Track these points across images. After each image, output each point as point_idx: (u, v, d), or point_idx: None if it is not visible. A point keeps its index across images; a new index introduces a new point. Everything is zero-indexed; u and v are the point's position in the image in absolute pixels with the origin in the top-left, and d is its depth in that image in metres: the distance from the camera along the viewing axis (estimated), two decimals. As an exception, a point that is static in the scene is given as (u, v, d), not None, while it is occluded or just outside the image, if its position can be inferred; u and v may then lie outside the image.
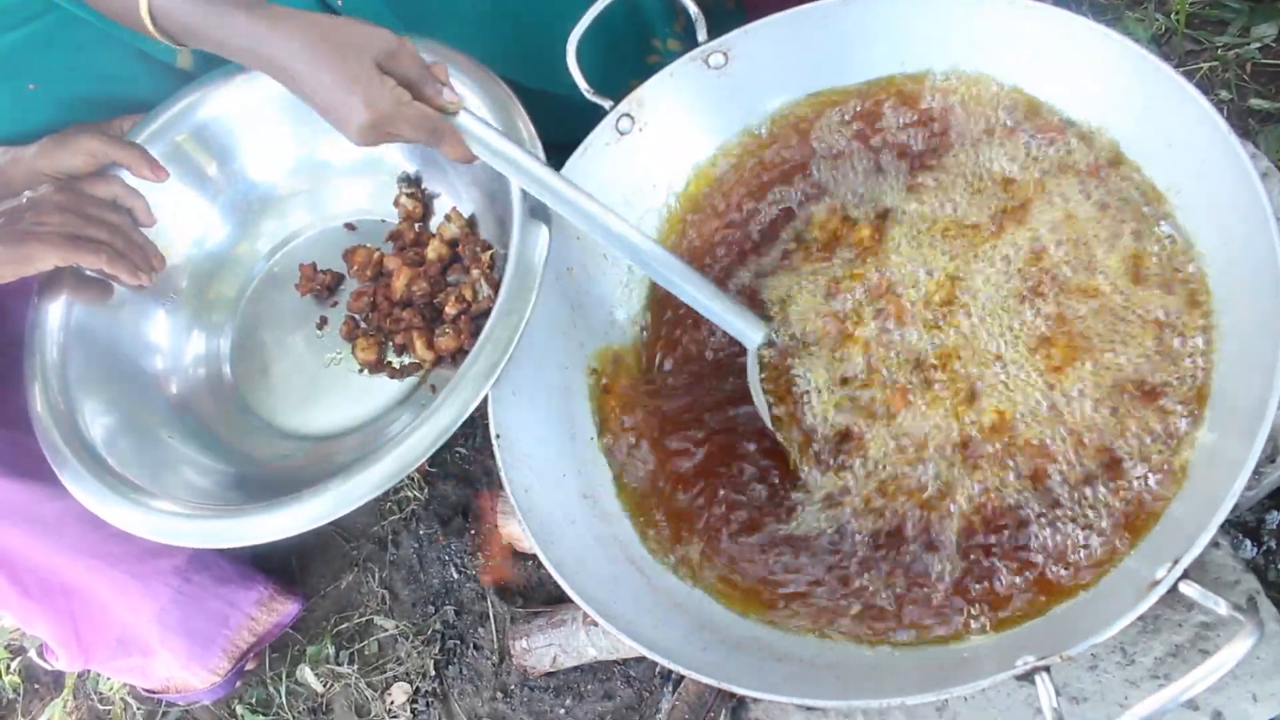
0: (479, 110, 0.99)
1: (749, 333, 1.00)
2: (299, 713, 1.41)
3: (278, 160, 1.21)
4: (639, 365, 1.09)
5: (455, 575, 1.41)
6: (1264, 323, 0.79)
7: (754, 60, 1.09)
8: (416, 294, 1.13)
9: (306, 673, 1.42)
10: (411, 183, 1.19)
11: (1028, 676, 0.71)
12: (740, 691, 0.83)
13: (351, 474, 0.91)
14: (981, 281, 0.96)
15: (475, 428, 1.43)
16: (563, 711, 1.29)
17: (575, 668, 1.28)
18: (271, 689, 1.42)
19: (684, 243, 1.12)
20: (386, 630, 1.41)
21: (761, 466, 1.00)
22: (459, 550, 1.41)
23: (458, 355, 1.10)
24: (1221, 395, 0.84)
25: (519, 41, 1.19)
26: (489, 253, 1.10)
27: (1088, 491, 0.86)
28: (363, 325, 1.16)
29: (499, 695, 1.33)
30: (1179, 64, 1.42)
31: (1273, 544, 1.10)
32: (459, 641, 1.38)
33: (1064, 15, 0.96)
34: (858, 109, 1.09)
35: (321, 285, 1.19)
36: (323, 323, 1.18)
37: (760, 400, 0.99)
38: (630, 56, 1.28)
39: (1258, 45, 1.40)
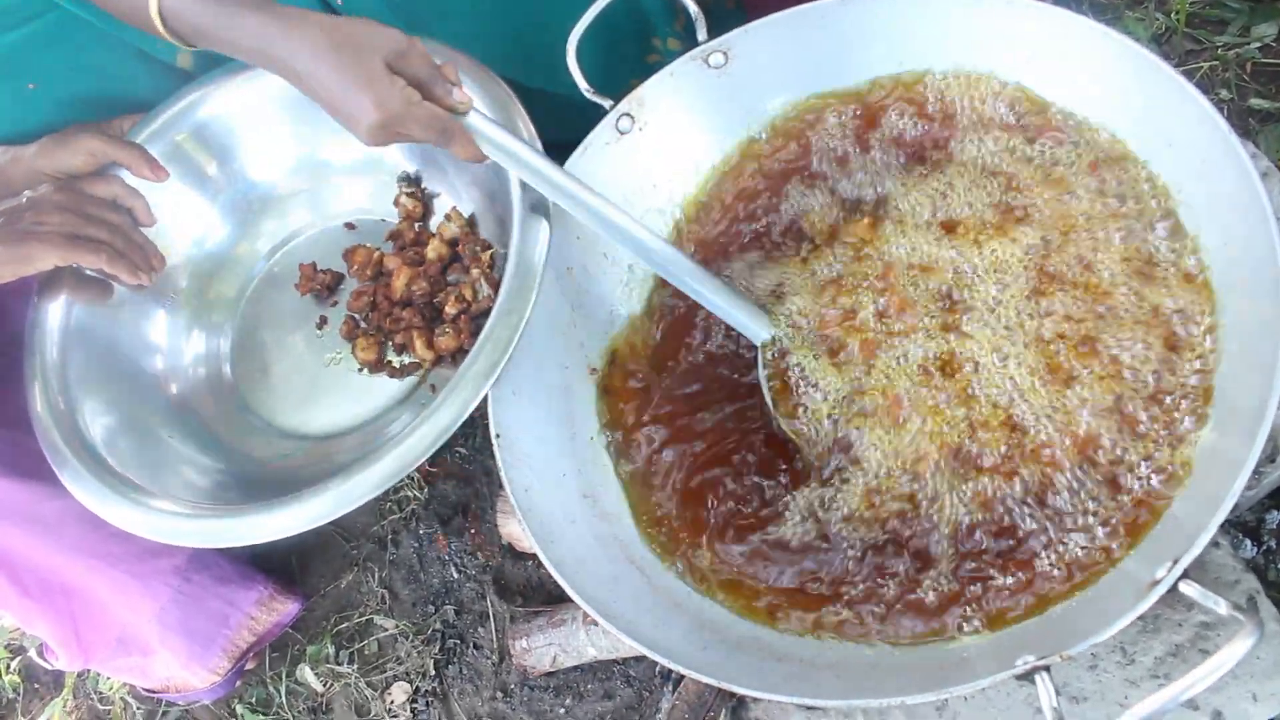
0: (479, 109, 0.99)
1: (756, 329, 1.00)
2: (299, 712, 1.41)
3: (278, 160, 1.21)
4: (640, 364, 1.09)
5: (455, 575, 1.41)
6: (1264, 322, 0.79)
7: (754, 60, 1.09)
8: (416, 293, 1.13)
9: (306, 672, 1.42)
10: (411, 182, 1.19)
11: (1028, 676, 0.71)
12: (740, 691, 0.83)
13: (351, 474, 0.91)
14: (981, 280, 0.96)
15: (475, 427, 1.43)
16: (563, 711, 1.29)
17: (575, 667, 1.28)
18: (271, 688, 1.42)
19: (687, 242, 1.12)
20: (386, 630, 1.41)
21: (763, 465, 1.00)
22: (459, 550, 1.41)
23: (458, 355, 1.10)
24: (1222, 395, 0.84)
25: (519, 41, 1.19)
26: (489, 252, 1.10)
27: (1088, 491, 0.86)
28: (363, 325, 1.16)
29: (499, 695, 1.33)
30: (1179, 63, 1.42)
31: (1273, 544, 1.10)
32: (459, 641, 1.38)
33: (1064, 14, 0.96)
34: (857, 112, 1.09)
35: (321, 285, 1.19)
36: (323, 322, 1.18)
37: (769, 397, 0.99)
38: (630, 56, 1.28)
39: (1258, 45, 1.40)
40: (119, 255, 1.03)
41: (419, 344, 1.10)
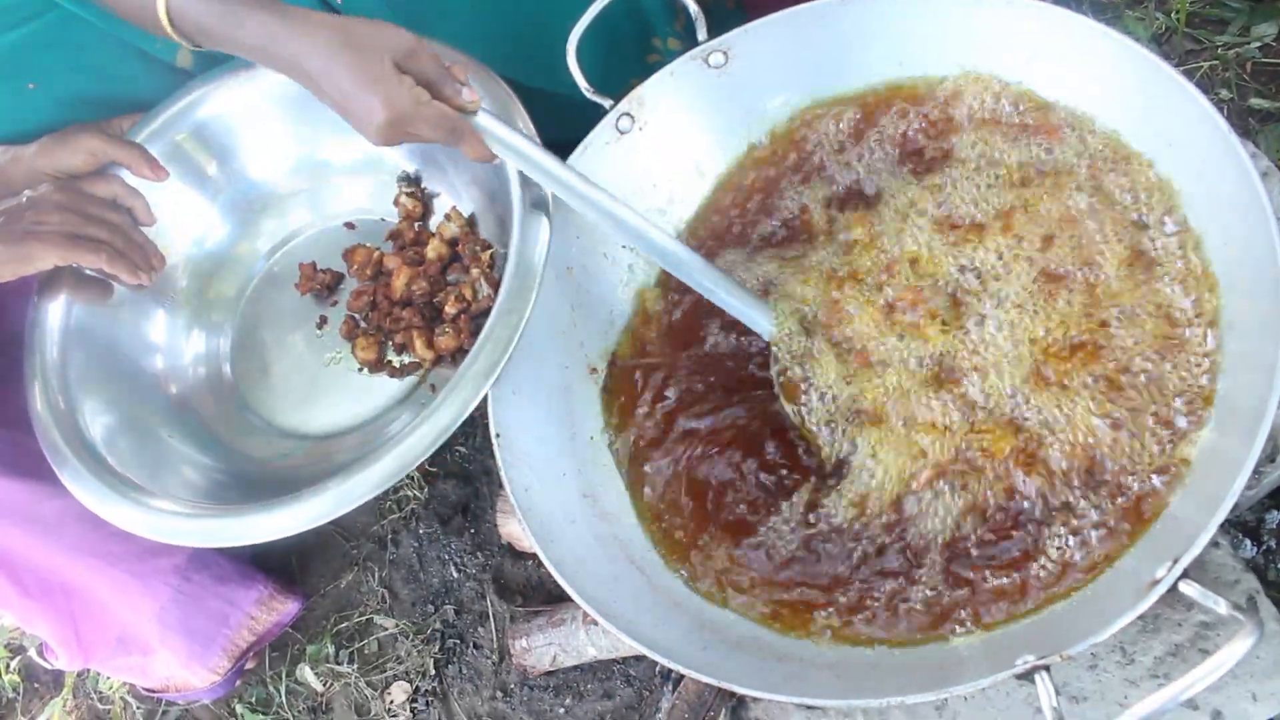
0: (479, 109, 1.00)
1: (766, 324, 1.00)
2: (299, 712, 1.41)
3: (278, 159, 1.21)
4: (641, 363, 1.09)
5: (455, 574, 1.41)
6: (1265, 322, 0.79)
7: (754, 59, 1.09)
8: (416, 293, 1.13)
9: (306, 672, 1.42)
10: (411, 182, 1.19)
11: (1028, 676, 0.71)
12: (740, 690, 0.83)
13: (351, 473, 0.91)
14: (980, 280, 0.96)
15: (475, 427, 1.43)
16: (562, 711, 1.29)
17: (575, 667, 1.28)
18: (271, 688, 1.42)
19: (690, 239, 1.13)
20: (386, 629, 1.41)
21: (768, 465, 1.00)
22: (459, 549, 1.41)
23: (457, 354, 1.10)
24: (1222, 395, 0.84)
25: (519, 40, 1.19)
26: (489, 252, 1.10)
27: (1088, 492, 0.86)
28: (362, 324, 1.16)
29: (499, 694, 1.33)
30: (1179, 63, 1.42)
31: (1272, 543, 1.10)
32: (459, 640, 1.38)
33: (1064, 14, 0.96)
34: (857, 115, 1.09)
35: (321, 284, 1.19)
36: (322, 322, 1.18)
37: (781, 394, 0.99)
38: (630, 55, 1.28)
39: (1258, 44, 1.40)
40: (119, 255, 1.03)
41: (419, 344, 1.10)
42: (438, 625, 1.38)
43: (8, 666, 1.57)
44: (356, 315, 1.16)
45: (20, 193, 1.08)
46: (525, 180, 0.99)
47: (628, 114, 1.09)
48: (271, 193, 1.23)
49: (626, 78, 1.10)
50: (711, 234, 1.12)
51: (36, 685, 1.56)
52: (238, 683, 1.42)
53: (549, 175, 0.95)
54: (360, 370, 1.14)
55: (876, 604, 0.89)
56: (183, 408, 1.15)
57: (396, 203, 1.19)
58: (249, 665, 1.41)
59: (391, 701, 1.37)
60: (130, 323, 1.15)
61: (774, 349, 1.00)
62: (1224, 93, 1.39)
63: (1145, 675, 0.95)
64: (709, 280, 0.99)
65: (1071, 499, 0.87)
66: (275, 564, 1.45)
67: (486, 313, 0.97)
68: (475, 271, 1.10)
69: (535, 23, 1.18)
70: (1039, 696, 0.70)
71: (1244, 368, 0.83)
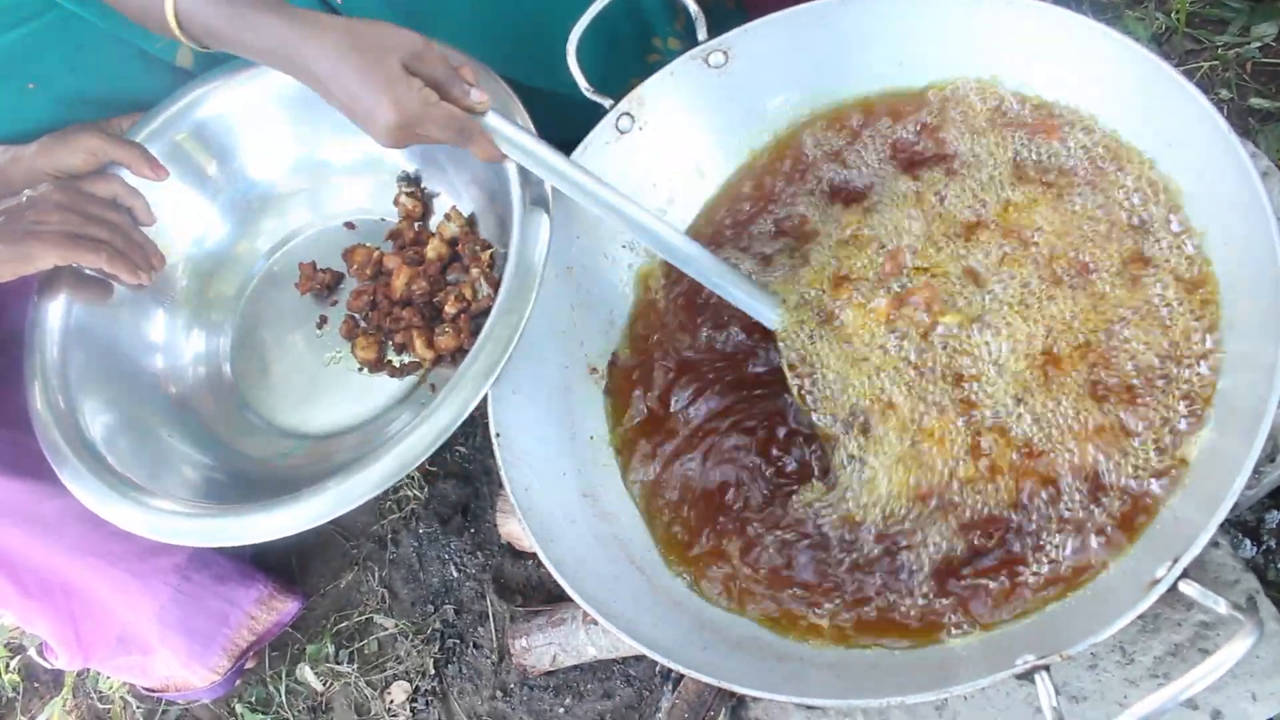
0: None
1: (772, 316, 1.01)
2: (299, 711, 1.41)
3: (277, 159, 1.21)
4: (642, 363, 1.09)
5: (455, 574, 1.41)
6: (1264, 322, 0.79)
7: (754, 59, 1.09)
8: (416, 293, 1.13)
9: (306, 671, 1.42)
10: (411, 182, 1.19)
11: (1027, 675, 0.71)
12: (740, 690, 0.83)
13: (351, 473, 0.91)
14: (979, 282, 0.96)
15: (475, 426, 1.43)
16: (562, 710, 1.29)
17: (575, 666, 1.28)
18: (271, 688, 1.42)
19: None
20: (386, 629, 1.41)
21: (773, 463, 1.00)
22: (459, 549, 1.41)
23: (457, 354, 1.10)
24: (1222, 394, 0.84)
25: (519, 40, 1.19)
26: (489, 252, 1.10)
27: (1088, 491, 0.86)
28: (362, 324, 1.16)
29: (499, 694, 1.33)
30: (1179, 63, 1.42)
31: (1272, 543, 1.10)
32: (459, 640, 1.38)
33: (1064, 14, 0.96)
34: (858, 122, 1.09)
35: (321, 284, 1.19)
36: (322, 321, 1.18)
37: (793, 386, 0.99)
38: (630, 55, 1.28)
39: (1258, 44, 1.40)
40: (119, 254, 1.03)
41: (419, 343, 1.10)
42: (437, 625, 1.38)
43: (8, 666, 1.57)
44: (356, 315, 1.16)
45: (20, 192, 1.07)
46: (525, 180, 0.99)
47: (628, 114, 1.09)
48: (271, 192, 1.23)
49: (626, 77, 1.11)
50: (715, 233, 1.12)
51: (36, 685, 1.57)
52: (238, 682, 1.42)
53: (558, 174, 0.96)
54: (360, 370, 1.14)
55: (874, 606, 0.89)
56: (183, 407, 1.15)
57: (396, 202, 1.19)
58: (249, 665, 1.41)
59: (391, 701, 1.37)
60: (130, 322, 1.15)
61: (781, 344, 1.00)
62: (1224, 93, 1.39)
63: (1145, 675, 0.95)
64: (716, 274, 0.99)
65: (1071, 500, 0.87)
66: (275, 563, 1.45)
67: (486, 312, 0.97)
68: (475, 271, 1.10)
69: (535, 22, 1.18)
70: (1039, 696, 0.70)
71: (1244, 367, 0.83)
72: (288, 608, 1.39)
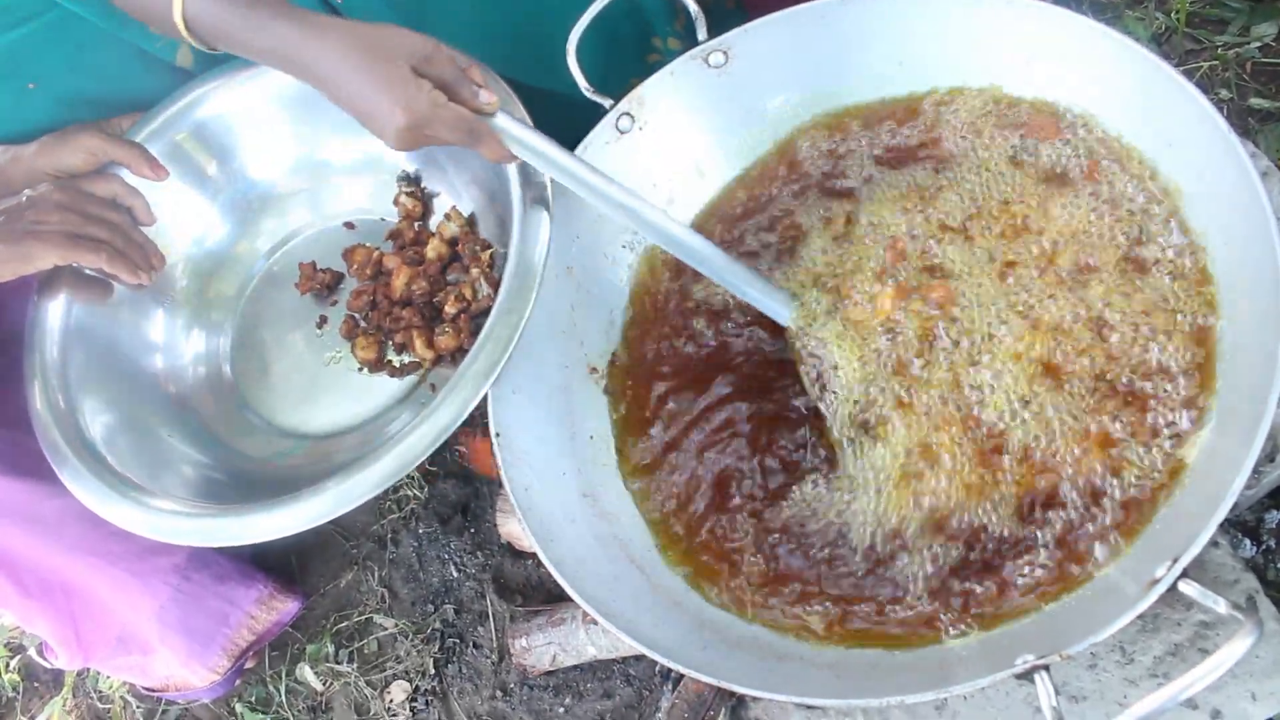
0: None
1: (784, 312, 1.01)
2: (298, 711, 1.41)
3: (277, 159, 1.21)
4: (643, 363, 1.09)
5: (455, 574, 1.41)
6: (1264, 321, 0.79)
7: (754, 59, 1.10)
8: (416, 293, 1.13)
9: (306, 671, 1.42)
10: (411, 181, 1.19)
11: (1027, 675, 0.71)
12: (740, 690, 0.83)
13: (351, 473, 0.91)
14: (979, 282, 0.96)
15: (475, 426, 1.43)
16: (562, 710, 1.29)
17: (575, 666, 1.28)
18: (271, 687, 1.42)
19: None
20: (386, 629, 1.41)
21: (778, 460, 1.00)
22: (459, 549, 1.41)
23: (457, 354, 1.10)
24: (1221, 394, 0.84)
25: (518, 40, 1.19)
26: (489, 251, 1.10)
27: (1088, 492, 0.86)
28: (362, 324, 1.16)
29: (498, 694, 1.33)
30: (1179, 63, 1.42)
31: (1272, 543, 1.10)
32: (458, 640, 1.38)
33: (1064, 14, 0.96)
34: (857, 125, 1.09)
35: (321, 284, 1.19)
36: (322, 321, 1.18)
37: (806, 380, 0.99)
38: (630, 55, 1.28)
39: (1258, 44, 1.40)
40: (119, 254, 1.03)
41: (419, 343, 1.10)
42: (437, 625, 1.39)
43: (7, 666, 1.57)
44: (356, 315, 1.16)
45: (20, 192, 1.07)
46: (526, 180, 0.99)
47: (628, 114, 1.09)
48: (271, 192, 1.23)
49: (626, 77, 1.11)
50: (712, 232, 1.12)
51: (36, 684, 1.57)
52: (237, 682, 1.42)
53: (569, 174, 0.96)
54: (360, 370, 1.14)
55: (871, 607, 0.89)
56: (182, 407, 1.15)
57: (396, 202, 1.19)
58: (249, 664, 1.41)
59: (391, 701, 1.37)
60: (130, 322, 1.15)
61: (793, 341, 1.00)
62: (1224, 93, 1.39)
63: (1145, 675, 0.95)
64: (729, 271, 0.99)
65: (1072, 502, 0.87)
66: (275, 563, 1.45)
67: (486, 312, 0.97)
68: (475, 271, 1.10)
69: (535, 22, 1.18)
70: (1039, 696, 0.70)
71: (1243, 367, 0.83)
72: (287, 607, 1.39)
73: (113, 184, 1.06)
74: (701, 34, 1.09)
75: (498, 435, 0.96)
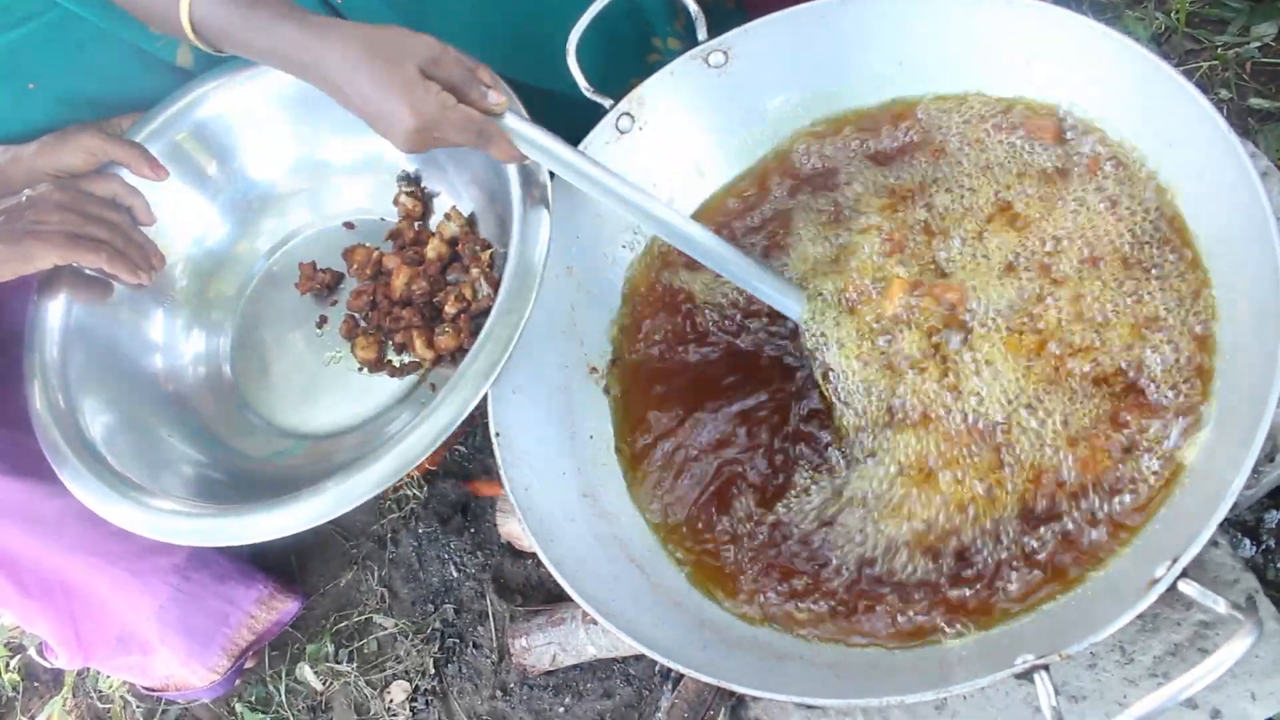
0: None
1: (795, 307, 1.01)
2: (298, 711, 1.41)
3: (277, 159, 1.21)
4: (643, 362, 1.09)
5: (455, 574, 1.41)
6: (1264, 322, 0.79)
7: (754, 59, 1.10)
8: (416, 293, 1.13)
9: (306, 671, 1.42)
10: (411, 181, 1.19)
11: (1027, 675, 0.71)
12: (739, 690, 0.83)
13: (351, 473, 0.91)
14: (978, 283, 0.96)
15: (475, 426, 1.43)
16: (562, 710, 1.29)
17: (575, 666, 1.28)
18: (271, 687, 1.42)
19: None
20: (386, 628, 1.41)
21: (781, 458, 1.00)
22: (458, 549, 1.41)
23: (457, 354, 1.10)
24: (1221, 394, 0.84)
25: (518, 39, 1.19)
26: (489, 251, 1.10)
27: (1089, 491, 0.86)
28: (362, 324, 1.16)
29: (498, 694, 1.33)
30: (1179, 63, 1.42)
31: (1272, 543, 1.10)
32: (458, 640, 1.38)
33: (1063, 14, 0.96)
34: (859, 127, 1.10)
35: (321, 284, 1.19)
36: (322, 321, 1.18)
37: (818, 374, 0.99)
38: (630, 55, 1.28)
39: (1257, 44, 1.40)
40: (119, 254, 1.03)
41: (419, 343, 1.10)
42: (437, 624, 1.39)
43: (7, 665, 1.57)
44: (356, 315, 1.16)
45: (20, 192, 1.07)
46: (526, 180, 0.99)
47: (627, 114, 1.09)
48: (271, 192, 1.23)
49: (626, 77, 1.11)
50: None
51: (36, 684, 1.57)
52: (237, 682, 1.42)
53: (579, 173, 0.96)
54: (360, 370, 1.14)
55: (869, 609, 0.89)
56: (182, 407, 1.15)
57: (396, 202, 1.19)
58: (248, 664, 1.41)
59: (391, 700, 1.37)
60: (130, 322, 1.15)
61: (805, 340, 1.00)
62: (1224, 92, 1.39)
63: (1144, 674, 0.95)
64: (738, 267, 0.99)
65: (1073, 501, 0.87)
66: (275, 563, 1.45)
67: (486, 312, 0.97)
68: (475, 271, 1.10)
69: (535, 22, 1.18)
70: (1038, 696, 0.70)
71: (1242, 367, 0.83)
72: (287, 607, 1.39)
73: (113, 184, 1.06)
74: (701, 34, 1.09)
75: (497, 435, 0.96)
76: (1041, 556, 0.86)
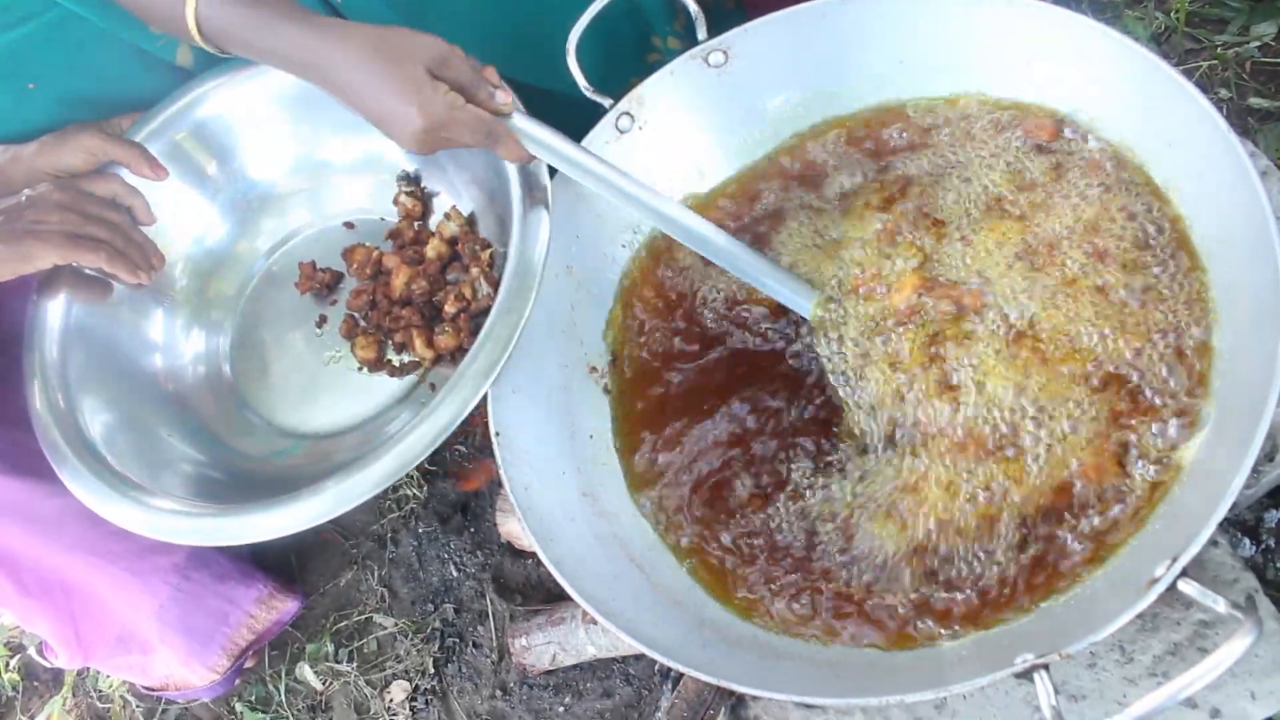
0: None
1: (806, 304, 1.01)
2: (298, 710, 1.41)
3: (277, 158, 1.21)
4: (643, 362, 1.09)
5: (454, 573, 1.41)
6: (1263, 321, 0.79)
7: (754, 59, 1.10)
8: (416, 292, 1.13)
9: (306, 670, 1.42)
10: (411, 181, 1.19)
11: (1026, 674, 0.72)
12: (739, 689, 0.83)
13: (350, 472, 0.91)
14: (980, 283, 0.96)
15: (475, 426, 1.43)
16: (562, 709, 1.29)
17: (574, 666, 1.28)
18: (271, 687, 1.42)
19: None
20: (386, 628, 1.41)
21: (783, 457, 1.00)
22: (458, 548, 1.41)
23: (457, 353, 1.10)
24: (1220, 393, 0.84)
25: (518, 39, 1.19)
26: (488, 251, 1.10)
27: (1089, 491, 0.86)
28: (362, 323, 1.16)
29: (498, 693, 1.33)
30: (1178, 63, 1.42)
31: (1271, 542, 1.10)
32: (458, 639, 1.38)
33: (1063, 14, 0.96)
34: (858, 126, 1.10)
35: (321, 283, 1.19)
36: (322, 321, 1.18)
37: (830, 370, 0.99)
38: (630, 54, 1.28)
39: (1257, 44, 1.40)
40: (118, 254, 1.03)
41: (418, 342, 1.10)
42: (437, 624, 1.39)
43: (7, 665, 1.57)
44: (356, 314, 1.16)
45: (20, 192, 1.07)
46: (525, 179, 0.99)
47: (627, 113, 1.09)
48: (271, 192, 1.23)
49: (626, 77, 1.11)
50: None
51: (36, 684, 1.57)
52: (237, 681, 1.42)
53: (589, 173, 0.96)
54: (360, 369, 1.14)
55: (869, 609, 0.89)
56: (182, 406, 1.15)
57: (396, 202, 1.19)
58: (248, 664, 1.41)
59: (391, 700, 1.37)
60: (130, 321, 1.15)
61: (818, 343, 1.00)
62: (1223, 92, 1.39)
63: (1144, 674, 0.95)
64: (750, 265, 0.99)
65: (1073, 502, 0.87)
66: (275, 562, 1.45)
67: (486, 312, 0.98)
68: (475, 270, 1.10)
69: (535, 21, 1.18)
70: (1038, 695, 0.70)
71: (1242, 366, 0.83)
72: (287, 607, 1.39)
73: (112, 184, 1.06)
74: (701, 34, 1.09)
75: (497, 434, 0.96)
76: (1043, 558, 0.86)
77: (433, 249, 1.14)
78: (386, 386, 1.12)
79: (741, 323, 1.06)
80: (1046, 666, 0.71)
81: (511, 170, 0.99)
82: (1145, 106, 0.93)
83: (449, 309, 1.10)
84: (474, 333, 1.00)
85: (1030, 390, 0.90)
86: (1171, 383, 0.87)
